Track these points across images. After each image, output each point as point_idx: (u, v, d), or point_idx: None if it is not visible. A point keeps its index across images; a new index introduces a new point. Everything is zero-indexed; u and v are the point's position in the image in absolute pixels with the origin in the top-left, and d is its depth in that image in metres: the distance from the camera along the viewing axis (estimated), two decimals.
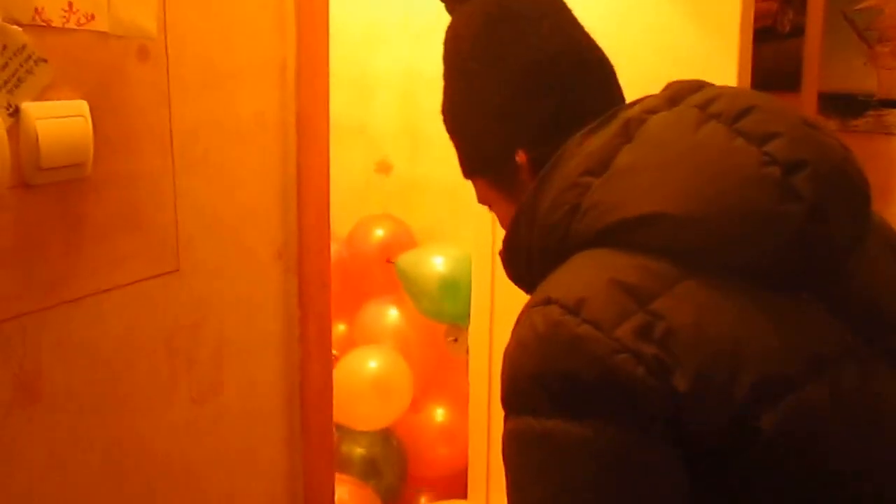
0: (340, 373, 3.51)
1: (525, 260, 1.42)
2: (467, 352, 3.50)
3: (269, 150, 2.00)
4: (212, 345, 1.92)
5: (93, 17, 1.48)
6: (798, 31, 3.08)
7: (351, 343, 3.86)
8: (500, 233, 3.11)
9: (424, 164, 3.94)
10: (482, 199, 1.57)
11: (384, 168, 4.09)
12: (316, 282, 2.18)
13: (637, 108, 1.31)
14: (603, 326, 1.09)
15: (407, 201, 4.03)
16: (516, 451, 1.17)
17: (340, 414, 3.30)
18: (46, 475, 1.55)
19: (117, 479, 1.71)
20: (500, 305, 3.28)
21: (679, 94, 1.30)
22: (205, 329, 1.89)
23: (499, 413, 3.15)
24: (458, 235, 3.70)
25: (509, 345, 1.21)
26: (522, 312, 1.23)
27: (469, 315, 3.42)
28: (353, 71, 4.06)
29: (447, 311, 3.57)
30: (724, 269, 1.15)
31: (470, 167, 1.55)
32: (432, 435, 3.74)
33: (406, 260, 3.62)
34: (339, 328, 3.90)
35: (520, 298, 3.16)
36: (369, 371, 3.55)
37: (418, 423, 3.76)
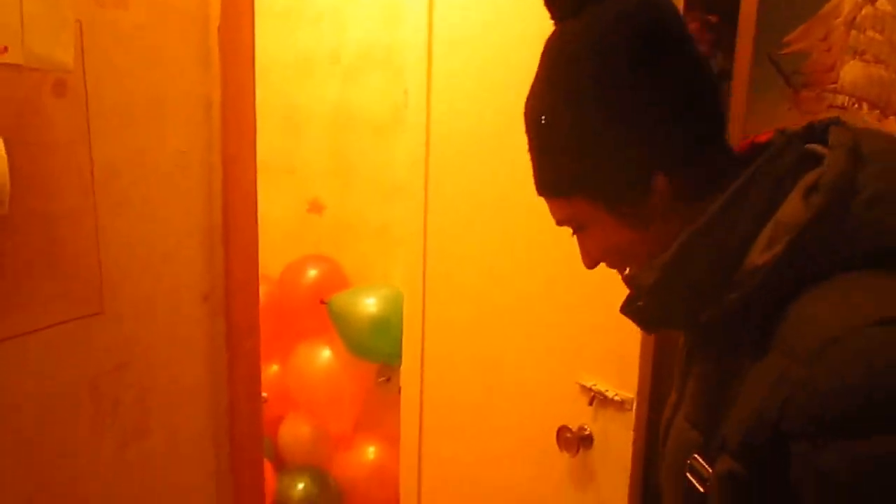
0: None
1: (691, 291, 1.37)
2: (399, 391, 3.47)
3: (193, 190, 1.97)
4: (137, 388, 1.88)
5: (6, 49, 1.45)
6: (726, 74, 3.10)
7: (284, 384, 3.82)
8: (432, 271, 3.13)
9: (356, 202, 3.92)
10: (570, 221, 1.47)
11: (316, 208, 4.06)
12: (244, 324, 2.14)
13: (834, 137, 1.32)
14: None
15: (339, 241, 4.01)
16: (878, 472, 1.12)
17: None
18: None
19: None
20: (430, 345, 3.26)
21: (840, 125, 1.34)
22: (130, 372, 1.85)
23: (429, 450, 3.10)
24: (390, 275, 3.69)
25: (836, 365, 1.15)
26: (838, 336, 1.17)
27: (400, 355, 3.40)
28: (283, 108, 4.04)
29: (378, 350, 3.55)
30: None
31: (576, 186, 1.41)
32: (365, 473, 3.71)
33: (338, 300, 3.60)
34: (272, 369, 3.87)
35: (449, 339, 3.14)
36: None
37: (352, 462, 3.73)
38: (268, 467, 3.25)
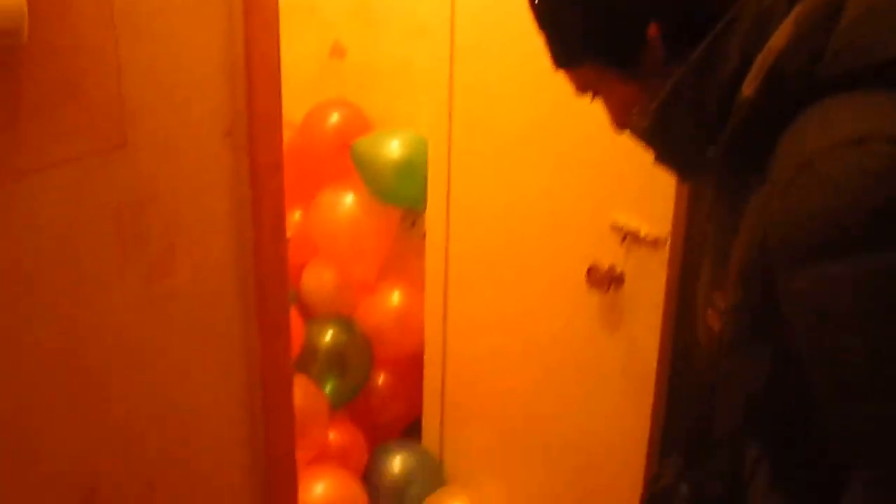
0: None
1: (691, 129, 1.40)
2: (424, 236, 3.46)
3: (215, 22, 1.92)
4: (162, 223, 1.88)
5: None
6: None
7: (307, 231, 3.80)
8: (458, 113, 3.08)
9: (379, 46, 3.83)
10: (586, 87, 1.53)
11: (338, 52, 3.98)
12: (268, 162, 2.11)
13: None
14: None
15: (362, 85, 3.93)
16: (855, 292, 1.15)
17: None
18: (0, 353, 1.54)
19: (73, 356, 1.69)
20: (456, 188, 3.23)
21: None
22: (154, 207, 1.84)
23: (455, 294, 3.08)
24: (414, 119, 3.63)
25: (807, 189, 1.17)
26: (811, 159, 1.18)
27: (425, 199, 3.38)
28: None
29: (403, 195, 3.53)
30: None
31: (580, 52, 1.48)
32: (390, 319, 3.71)
33: (362, 144, 3.55)
34: (295, 216, 3.84)
35: (475, 182, 3.11)
36: None
37: (376, 308, 3.73)
38: (295, 314, 3.24)
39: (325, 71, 4.01)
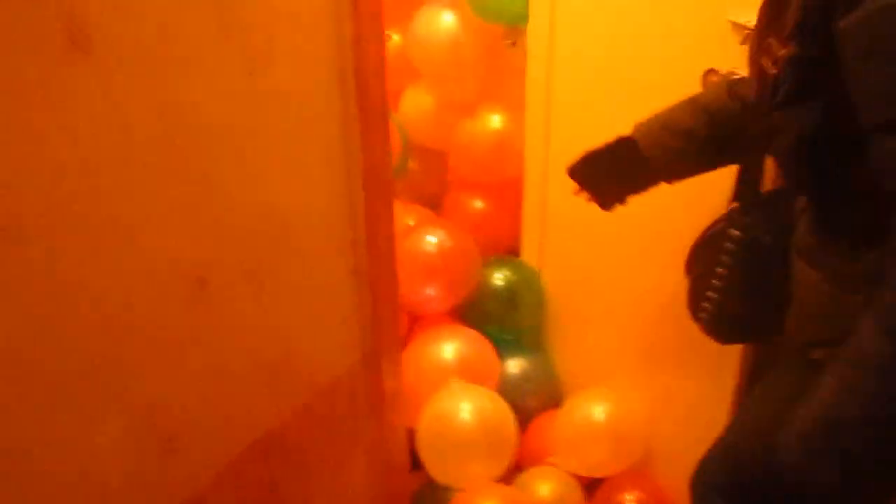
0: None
1: None
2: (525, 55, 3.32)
3: None
4: (262, 14, 1.83)
5: None
6: None
7: (404, 52, 3.68)
8: None
9: None
10: None
11: None
12: None
13: None
14: None
15: None
16: None
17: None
18: (102, 128, 1.50)
19: (172, 142, 1.66)
20: (561, 7, 3.09)
21: None
22: None
23: (557, 119, 2.93)
24: None
25: None
26: None
27: (528, 16, 3.25)
28: None
29: (505, 11, 3.38)
30: None
31: None
32: (489, 142, 3.59)
33: None
34: (393, 38, 3.72)
35: None
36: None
37: (475, 131, 3.62)
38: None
39: None
